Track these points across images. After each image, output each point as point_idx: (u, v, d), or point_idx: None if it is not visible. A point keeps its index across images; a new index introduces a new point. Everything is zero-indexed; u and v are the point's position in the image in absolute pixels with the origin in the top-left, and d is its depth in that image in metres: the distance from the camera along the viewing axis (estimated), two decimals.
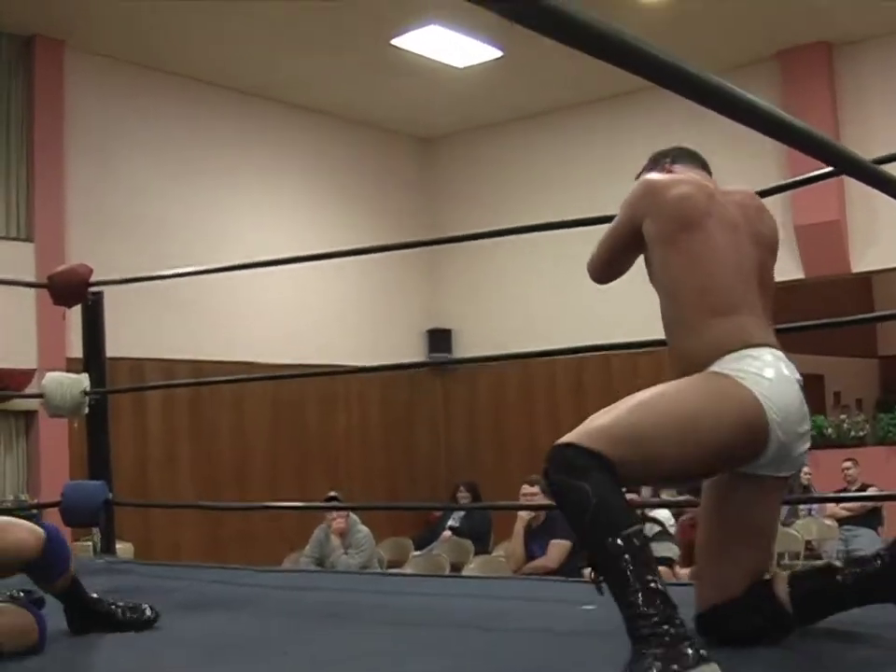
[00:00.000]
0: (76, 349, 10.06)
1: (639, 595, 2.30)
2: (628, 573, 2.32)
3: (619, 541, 2.34)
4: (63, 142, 11.41)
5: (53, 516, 10.23)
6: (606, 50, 1.39)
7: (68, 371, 5.69)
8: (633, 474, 2.54)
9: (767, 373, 2.64)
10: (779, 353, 2.74)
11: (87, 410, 5.21)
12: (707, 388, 2.64)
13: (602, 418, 2.54)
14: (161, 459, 11.72)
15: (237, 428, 12.35)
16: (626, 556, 2.33)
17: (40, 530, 3.17)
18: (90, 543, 9.66)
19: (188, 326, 11.85)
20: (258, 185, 13.04)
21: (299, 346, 12.42)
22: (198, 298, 11.55)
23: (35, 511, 10.72)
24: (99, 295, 5.35)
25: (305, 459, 12.78)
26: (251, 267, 5.16)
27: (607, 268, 3.06)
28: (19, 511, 10.79)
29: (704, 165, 3.08)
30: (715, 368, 2.66)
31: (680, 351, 2.78)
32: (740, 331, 2.71)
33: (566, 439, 2.49)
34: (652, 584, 2.32)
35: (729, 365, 2.64)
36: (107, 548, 5.44)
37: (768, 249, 2.91)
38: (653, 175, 2.93)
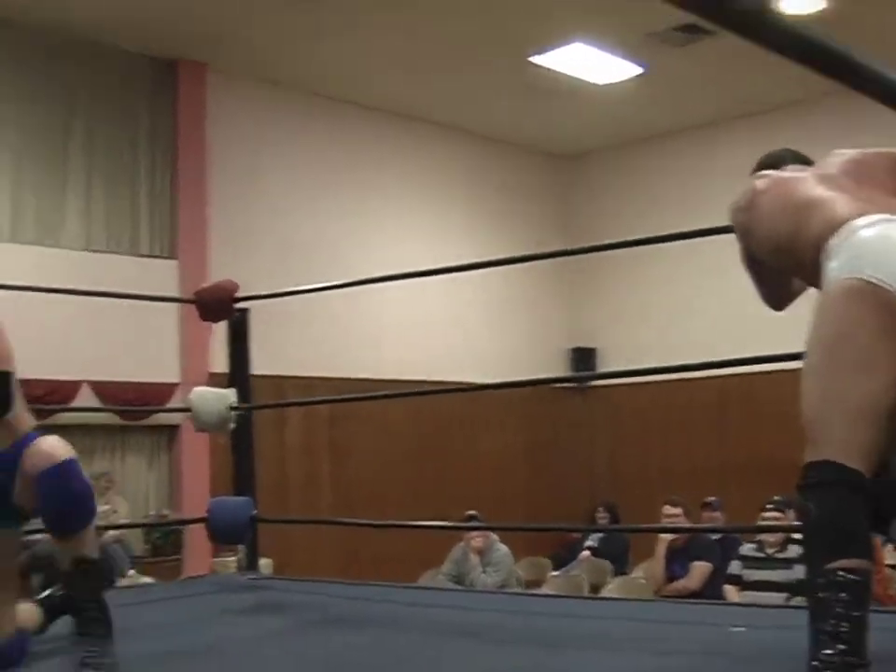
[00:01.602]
0: (218, 364, 10.31)
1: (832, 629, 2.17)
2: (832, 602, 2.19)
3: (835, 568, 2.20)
4: (205, 163, 11.64)
5: (198, 533, 10.45)
6: (805, 53, 1.30)
7: (209, 386, 5.70)
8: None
9: None
10: None
11: (233, 425, 5.22)
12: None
13: (828, 417, 2.34)
14: (301, 477, 11.81)
15: (376, 447, 12.37)
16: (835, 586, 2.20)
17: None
18: (231, 559, 9.85)
19: (328, 343, 11.94)
20: (397, 202, 13.11)
21: (439, 364, 12.42)
22: (339, 315, 11.65)
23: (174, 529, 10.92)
24: (245, 311, 5.37)
25: (444, 478, 12.73)
26: (396, 279, 5.11)
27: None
28: (162, 526, 11.02)
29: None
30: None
31: None
32: None
33: (817, 455, 2.33)
34: (846, 625, 2.18)
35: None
36: (251, 565, 5.43)
37: None
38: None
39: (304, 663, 3.37)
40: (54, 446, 3.03)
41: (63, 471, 2.99)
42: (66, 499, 2.99)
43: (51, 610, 3.41)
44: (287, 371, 11.26)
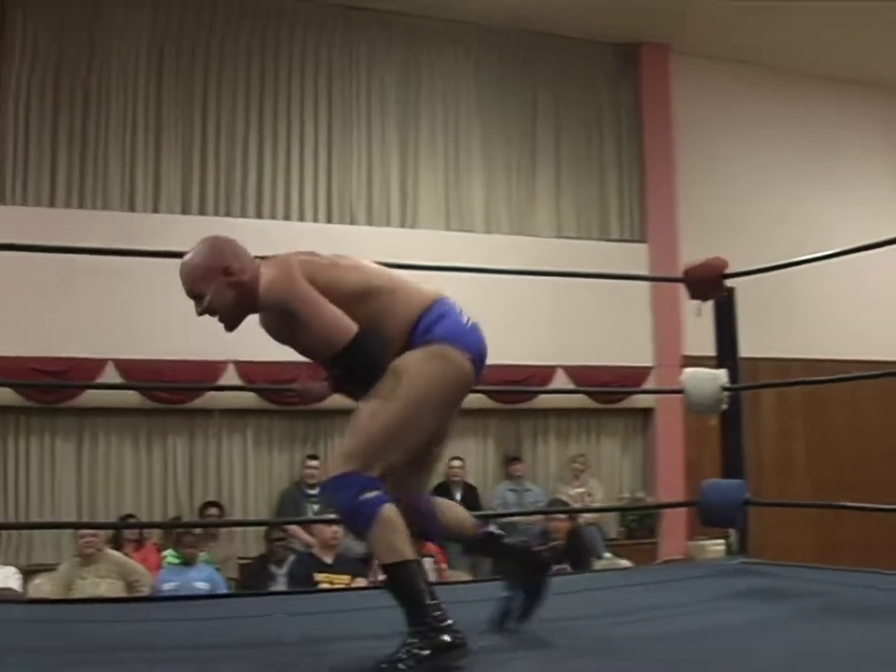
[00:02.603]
0: (691, 347, 10.25)
1: None
2: None
3: None
4: (671, 145, 11.59)
5: (673, 515, 10.42)
6: None
7: (684, 368, 5.59)
8: None
9: None
10: None
11: (725, 405, 5.12)
12: None
13: None
14: (775, 460, 11.50)
15: (854, 429, 11.85)
16: None
17: None
18: (709, 542, 9.76)
19: (805, 323, 11.56)
20: (861, 174, 12.50)
21: None
22: (809, 295, 11.25)
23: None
24: (732, 290, 5.25)
25: None
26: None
27: None
28: (639, 510, 11.07)
29: None
30: None
31: None
32: None
33: None
34: None
35: None
36: (742, 549, 5.31)
37: None
38: None
39: (834, 656, 3.20)
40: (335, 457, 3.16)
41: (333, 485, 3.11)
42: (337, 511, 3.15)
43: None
44: (761, 353, 10.97)
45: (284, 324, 3.16)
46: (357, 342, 3.08)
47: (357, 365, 3.12)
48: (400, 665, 2.88)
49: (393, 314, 3.20)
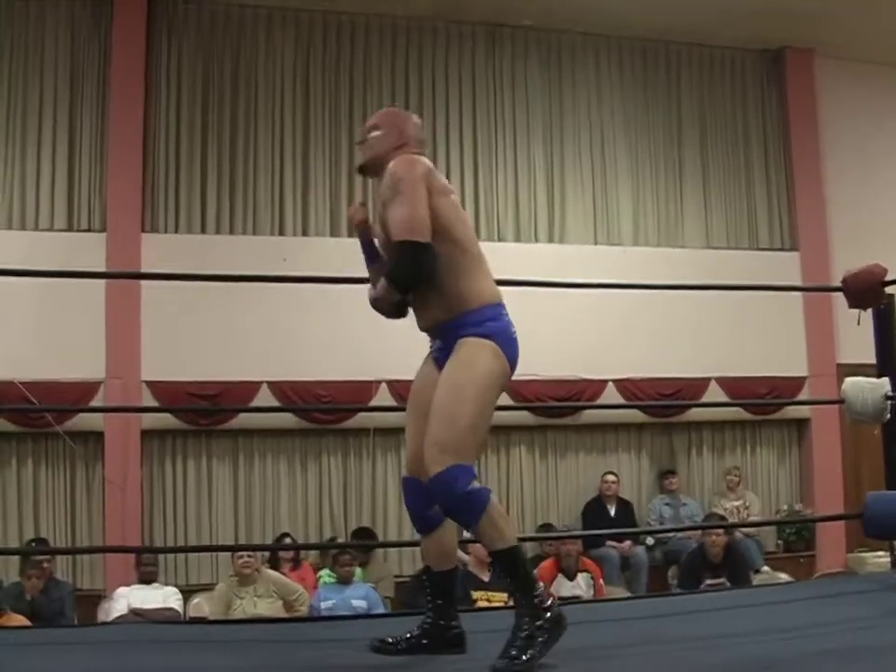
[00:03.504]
0: (845, 355, 9.99)
1: None
2: None
3: None
4: (819, 151, 11.37)
5: (831, 528, 10.15)
6: None
7: (840, 377, 5.47)
8: None
9: None
10: None
11: (888, 415, 4.98)
12: None
13: None
14: None
15: None
16: None
17: None
18: (870, 555, 9.51)
19: None
20: None
21: None
22: None
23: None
24: (892, 297, 5.11)
25: None
26: None
27: None
28: (798, 523, 10.83)
29: None
30: None
31: None
32: None
33: None
34: None
35: None
36: None
37: None
38: None
39: None
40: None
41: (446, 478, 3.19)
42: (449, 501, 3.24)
43: None
44: None
45: (387, 197, 3.39)
46: (420, 247, 3.29)
47: (402, 263, 3.31)
48: (532, 640, 3.12)
49: (463, 277, 3.38)
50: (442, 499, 3.23)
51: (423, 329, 3.49)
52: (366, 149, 3.61)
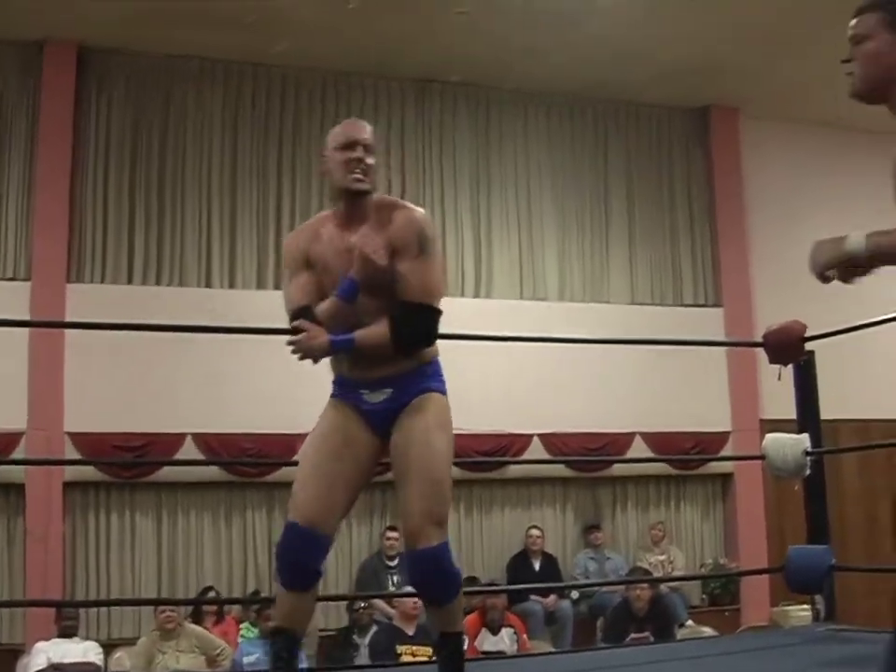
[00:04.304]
0: (769, 411, 10.11)
1: None
2: None
3: None
4: (743, 207, 11.59)
5: (755, 582, 10.21)
6: None
7: (763, 432, 5.53)
8: None
9: None
10: None
11: (808, 471, 5.05)
12: None
13: None
14: (860, 523, 11.28)
15: None
16: None
17: None
18: (793, 608, 9.57)
19: (881, 383, 11.33)
20: None
21: None
22: (889, 353, 11.06)
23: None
24: (811, 353, 5.20)
25: None
26: None
27: None
28: (721, 577, 10.90)
29: None
30: None
31: None
32: None
33: None
34: None
35: None
36: (830, 615, 5.19)
37: None
38: None
39: None
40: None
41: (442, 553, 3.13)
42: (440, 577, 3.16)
43: None
44: (840, 414, 10.80)
45: (407, 249, 3.25)
46: (438, 315, 3.29)
47: (419, 327, 3.26)
48: None
49: None
50: (430, 575, 3.14)
51: (373, 377, 3.30)
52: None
